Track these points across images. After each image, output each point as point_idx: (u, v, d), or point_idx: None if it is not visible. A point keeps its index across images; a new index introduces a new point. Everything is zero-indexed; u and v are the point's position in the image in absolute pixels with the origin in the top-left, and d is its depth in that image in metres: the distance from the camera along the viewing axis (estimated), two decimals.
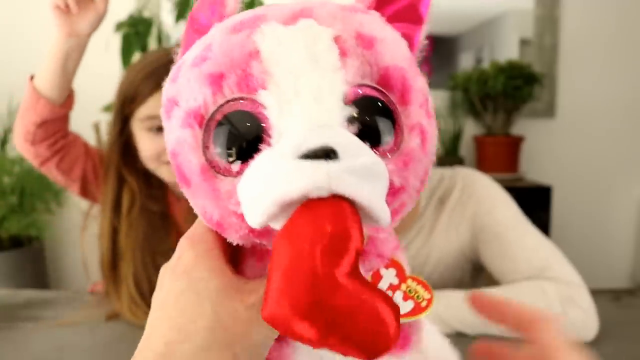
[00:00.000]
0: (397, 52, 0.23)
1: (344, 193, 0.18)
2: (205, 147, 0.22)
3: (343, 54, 0.22)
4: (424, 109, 0.23)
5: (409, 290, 0.25)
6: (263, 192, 0.19)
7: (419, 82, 0.23)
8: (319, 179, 0.18)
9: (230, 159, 0.21)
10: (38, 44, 1.96)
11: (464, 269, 0.90)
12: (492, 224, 0.83)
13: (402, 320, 0.23)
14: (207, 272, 0.24)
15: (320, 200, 0.18)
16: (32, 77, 0.87)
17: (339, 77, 0.21)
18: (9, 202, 1.84)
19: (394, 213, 0.22)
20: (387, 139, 0.21)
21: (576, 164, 2.02)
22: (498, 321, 0.31)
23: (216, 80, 0.22)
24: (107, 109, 1.52)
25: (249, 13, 0.24)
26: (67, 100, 0.88)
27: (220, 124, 0.22)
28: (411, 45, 0.25)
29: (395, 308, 0.18)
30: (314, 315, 0.17)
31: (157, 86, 0.84)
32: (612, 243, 2.06)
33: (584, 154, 2.02)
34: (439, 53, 2.04)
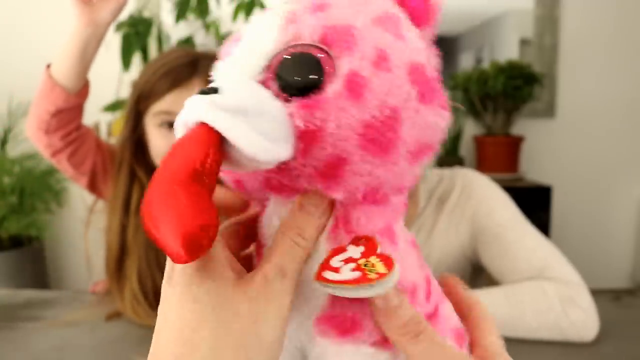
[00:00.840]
0: (345, 10, 0.24)
1: (205, 120, 0.21)
2: None
3: (288, 21, 0.24)
4: (368, 60, 0.23)
5: (365, 264, 0.23)
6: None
7: (372, 37, 0.24)
8: (190, 107, 0.22)
9: None
10: (38, 44, 1.96)
11: (464, 269, 0.90)
12: (492, 225, 0.83)
13: (333, 286, 0.23)
14: (200, 274, 0.23)
15: (192, 129, 0.22)
16: (48, 66, 0.86)
17: (272, 40, 0.24)
18: (9, 202, 1.84)
19: (328, 168, 0.23)
20: (303, 91, 0.23)
21: (576, 164, 2.02)
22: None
23: None
24: (107, 109, 1.52)
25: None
26: (82, 90, 0.88)
27: None
28: (421, 11, 0.27)
29: (202, 220, 0.20)
30: (147, 214, 0.20)
31: (173, 84, 0.84)
32: (612, 243, 2.07)
33: (584, 154, 2.02)
34: (439, 53, 2.03)
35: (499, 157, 1.87)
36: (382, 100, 0.23)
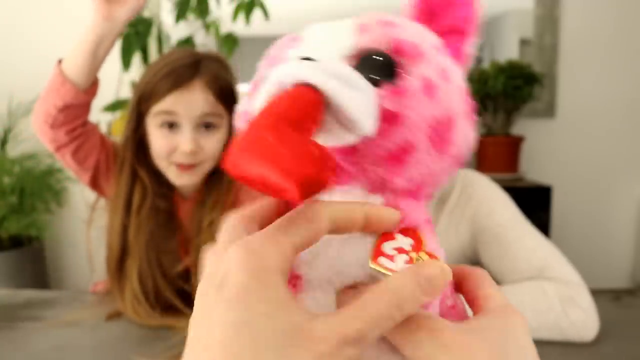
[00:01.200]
0: (412, 31, 0.28)
1: (313, 81, 0.22)
2: None
3: (361, 30, 0.27)
4: (436, 71, 0.26)
5: (417, 259, 0.25)
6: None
7: (436, 57, 0.27)
8: (292, 69, 0.23)
9: None
10: (38, 44, 1.96)
11: None
12: (492, 225, 0.83)
13: (387, 273, 0.24)
14: (268, 305, 0.19)
15: (294, 87, 0.22)
16: (60, 61, 0.87)
17: (352, 38, 0.26)
18: (9, 202, 1.84)
19: (399, 151, 0.25)
20: (386, 81, 0.25)
21: (576, 164, 2.02)
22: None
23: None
24: (107, 108, 1.52)
25: None
26: (92, 87, 0.88)
27: None
28: (458, 56, 0.30)
29: (320, 157, 0.20)
30: (248, 156, 0.20)
31: (175, 85, 0.84)
32: (612, 243, 2.07)
33: (584, 154, 2.02)
34: None
35: (499, 157, 1.87)
36: (447, 105, 0.26)
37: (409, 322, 0.22)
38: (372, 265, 0.24)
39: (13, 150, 1.94)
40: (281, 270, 0.21)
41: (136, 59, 1.50)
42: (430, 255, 0.25)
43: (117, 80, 1.60)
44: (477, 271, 0.29)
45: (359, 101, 0.23)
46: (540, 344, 0.71)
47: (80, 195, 1.96)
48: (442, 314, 0.27)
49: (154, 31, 1.50)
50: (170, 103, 0.84)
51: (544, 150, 2.01)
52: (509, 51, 2.00)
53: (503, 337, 0.23)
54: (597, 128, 2.01)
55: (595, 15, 1.96)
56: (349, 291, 0.25)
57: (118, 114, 1.56)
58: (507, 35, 2.02)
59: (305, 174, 0.19)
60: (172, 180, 0.89)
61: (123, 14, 0.82)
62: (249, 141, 0.19)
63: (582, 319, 0.71)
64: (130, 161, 0.90)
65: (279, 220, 0.22)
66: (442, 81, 0.26)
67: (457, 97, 0.27)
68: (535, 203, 1.72)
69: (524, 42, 2.00)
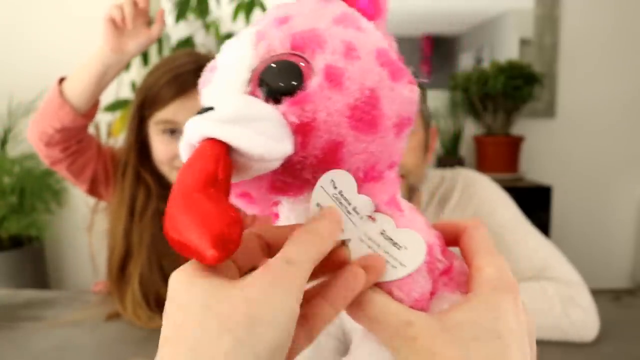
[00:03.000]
0: (306, 16, 0.27)
1: (210, 135, 0.23)
2: None
3: (259, 38, 0.27)
4: (339, 53, 0.25)
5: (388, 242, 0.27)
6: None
7: (337, 34, 0.26)
8: (190, 127, 0.24)
9: None
10: (38, 44, 1.96)
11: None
12: (493, 225, 0.83)
13: (382, 279, 0.26)
14: (202, 270, 0.22)
15: (201, 143, 0.23)
16: (61, 80, 0.85)
17: (249, 55, 0.26)
18: (9, 202, 1.84)
19: (328, 153, 0.25)
20: (287, 92, 0.25)
21: (576, 163, 2.02)
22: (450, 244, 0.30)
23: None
24: (107, 109, 1.52)
25: None
26: (92, 110, 0.87)
27: None
28: (373, 5, 0.29)
29: (227, 219, 0.21)
30: (172, 226, 0.21)
31: (178, 93, 0.83)
32: (613, 243, 2.07)
33: (584, 154, 2.02)
34: (439, 53, 2.04)
35: (499, 157, 1.87)
36: (360, 84, 0.25)
37: (386, 327, 0.24)
38: None
39: (13, 150, 1.94)
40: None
41: (136, 59, 1.50)
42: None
43: (117, 81, 1.60)
44: (470, 228, 0.29)
45: (261, 134, 0.23)
46: (540, 344, 0.71)
47: (80, 196, 1.96)
48: (435, 283, 0.27)
49: None
50: (173, 112, 0.84)
51: (544, 150, 2.01)
52: (509, 51, 2.00)
53: (480, 337, 0.23)
54: (597, 128, 2.01)
55: (595, 15, 1.96)
56: None
57: (118, 114, 1.56)
58: (507, 35, 2.02)
59: (216, 236, 0.21)
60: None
61: (133, 47, 0.81)
62: (172, 209, 0.22)
63: (582, 319, 0.71)
64: (134, 164, 0.89)
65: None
66: (347, 61, 0.25)
67: (371, 69, 0.26)
68: (535, 203, 1.72)
69: (524, 42, 2.00)
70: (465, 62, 2.07)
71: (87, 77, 0.82)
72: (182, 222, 0.21)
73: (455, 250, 0.30)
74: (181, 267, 0.23)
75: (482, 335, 0.23)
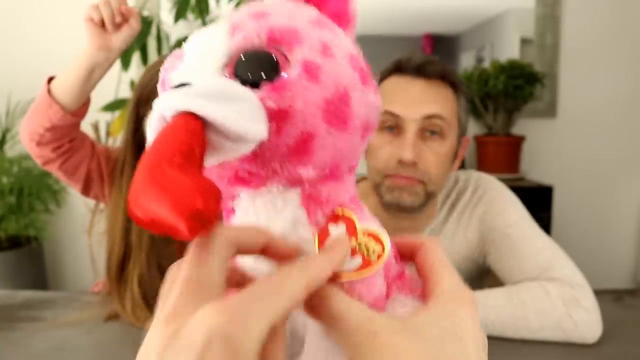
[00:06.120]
0: (284, 14, 0.27)
1: (184, 108, 0.22)
2: None
3: (233, 29, 0.26)
4: (316, 49, 0.26)
5: (359, 245, 0.26)
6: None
7: (314, 33, 0.27)
8: (166, 99, 0.23)
9: None
10: (36, 44, 1.96)
11: (470, 271, 0.90)
12: (502, 225, 0.84)
13: (349, 277, 0.25)
14: (192, 302, 0.21)
15: (173, 118, 0.22)
16: (50, 79, 0.85)
17: (224, 44, 0.26)
18: (8, 202, 1.83)
19: (300, 144, 0.25)
20: (265, 79, 0.25)
21: (577, 163, 2.02)
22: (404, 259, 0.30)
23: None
24: (106, 108, 1.52)
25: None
26: (81, 109, 0.86)
27: None
28: (342, 16, 0.30)
29: (203, 189, 0.20)
30: (140, 197, 0.20)
31: None
32: (614, 243, 2.06)
33: (585, 154, 2.02)
34: (440, 53, 2.04)
35: (500, 157, 1.86)
36: (335, 81, 0.26)
37: (347, 322, 0.23)
38: (329, 285, 0.24)
39: (11, 150, 1.94)
40: (213, 278, 0.21)
41: (135, 58, 1.50)
42: (369, 234, 0.27)
43: (117, 80, 1.59)
44: (427, 244, 0.29)
45: (239, 114, 0.23)
46: (542, 344, 0.71)
47: (79, 196, 1.95)
48: (389, 286, 0.28)
49: (153, 30, 1.50)
50: None
51: (545, 150, 2.01)
52: (509, 51, 2.00)
53: (441, 337, 0.23)
54: (598, 127, 2.01)
55: (596, 14, 1.96)
56: None
57: (117, 114, 1.55)
58: (508, 35, 2.02)
59: (192, 209, 0.19)
60: None
61: (117, 43, 0.81)
62: (140, 183, 0.20)
63: (585, 320, 0.71)
64: (131, 163, 0.89)
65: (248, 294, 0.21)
66: (324, 59, 0.26)
67: (344, 69, 0.26)
68: (536, 203, 1.71)
69: (524, 42, 2.00)
70: (466, 62, 2.07)
71: (74, 78, 0.82)
72: (152, 195, 0.20)
73: None
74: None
75: (444, 335, 0.23)
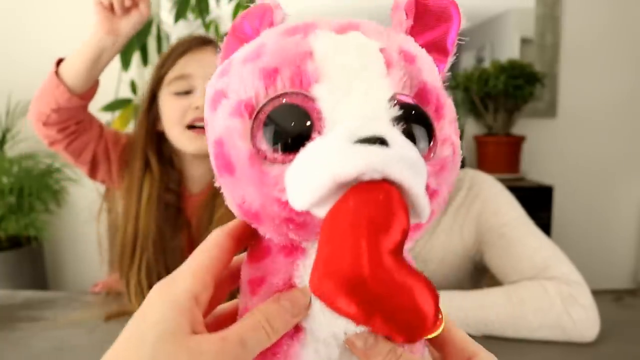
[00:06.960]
0: (433, 70, 0.26)
1: (396, 178, 0.19)
2: (254, 137, 0.23)
3: (388, 64, 0.24)
4: (453, 126, 0.25)
5: None
6: (317, 172, 0.20)
7: (449, 102, 0.26)
8: (374, 160, 0.19)
9: (280, 148, 0.22)
10: (37, 44, 1.96)
11: (467, 270, 0.90)
12: (497, 224, 0.83)
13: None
14: (160, 315, 0.23)
15: (369, 183, 0.19)
16: (59, 61, 0.86)
17: (386, 83, 0.23)
18: (8, 202, 1.83)
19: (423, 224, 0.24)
20: (423, 146, 0.23)
21: (578, 163, 2.02)
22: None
23: (270, 74, 0.23)
24: (106, 108, 1.51)
25: (300, 22, 0.26)
26: (89, 91, 0.87)
27: (270, 115, 0.23)
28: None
29: (434, 294, 0.19)
30: (357, 291, 0.18)
31: (187, 50, 0.86)
32: (614, 243, 2.06)
33: (586, 154, 2.02)
34: None
35: (500, 157, 1.86)
36: (459, 164, 0.26)
37: (456, 351, 0.26)
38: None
39: (11, 150, 1.94)
40: (193, 298, 0.23)
41: (135, 58, 1.50)
42: None
43: (117, 80, 1.59)
44: (458, 341, 0.28)
45: (423, 189, 0.21)
46: (541, 343, 0.71)
47: (79, 196, 1.95)
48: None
49: (153, 30, 1.50)
50: (183, 65, 0.86)
51: (545, 150, 2.00)
52: (510, 50, 2.00)
53: None
54: (599, 127, 2.00)
55: (597, 14, 1.96)
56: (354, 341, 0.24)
57: (117, 114, 1.55)
58: (508, 35, 2.02)
59: (421, 331, 0.19)
60: (186, 147, 0.88)
61: (126, 28, 0.81)
62: (343, 274, 0.18)
63: (583, 318, 0.71)
64: (142, 146, 0.90)
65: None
66: (457, 139, 0.25)
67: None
68: (536, 203, 1.71)
69: (525, 42, 2.00)
70: (466, 62, 2.06)
71: (82, 60, 0.82)
72: (403, 305, 0.18)
73: None
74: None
75: None
